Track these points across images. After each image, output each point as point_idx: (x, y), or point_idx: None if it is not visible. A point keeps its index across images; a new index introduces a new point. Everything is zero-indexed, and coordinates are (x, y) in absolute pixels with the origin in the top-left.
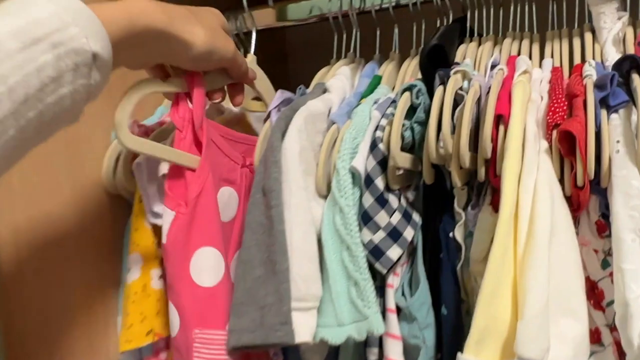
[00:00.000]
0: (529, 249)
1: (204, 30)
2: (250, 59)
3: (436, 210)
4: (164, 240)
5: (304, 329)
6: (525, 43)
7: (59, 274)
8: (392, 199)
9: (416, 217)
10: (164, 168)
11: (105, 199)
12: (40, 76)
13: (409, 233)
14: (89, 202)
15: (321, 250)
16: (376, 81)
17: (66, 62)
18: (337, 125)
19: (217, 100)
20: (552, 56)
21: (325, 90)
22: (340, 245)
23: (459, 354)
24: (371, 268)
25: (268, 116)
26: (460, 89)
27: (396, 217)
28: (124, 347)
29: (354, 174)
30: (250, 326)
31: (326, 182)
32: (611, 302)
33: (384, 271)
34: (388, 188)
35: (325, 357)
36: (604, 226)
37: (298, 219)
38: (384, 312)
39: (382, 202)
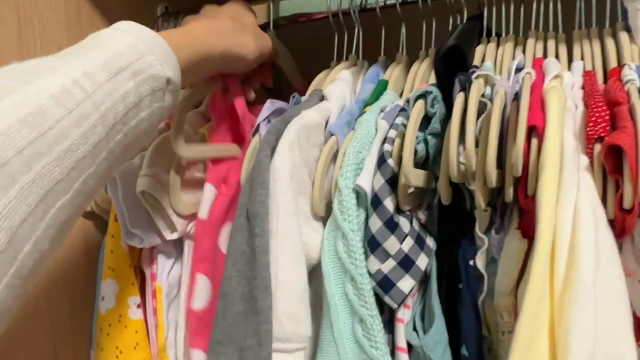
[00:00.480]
0: (570, 284)
1: (250, 37)
2: (272, 35)
3: (453, 234)
4: (203, 215)
5: None
6: (551, 43)
7: (23, 304)
8: (403, 222)
9: (430, 242)
10: (141, 184)
11: (78, 220)
12: (125, 102)
13: (422, 261)
14: None
15: (321, 281)
16: (382, 87)
17: (145, 88)
18: (337, 137)
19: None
20: (582, 58)
21: (322, 98)
22: (343, 276)
23: None
24: (378, 301)
25: (257, 129)
26: (482, 95)
27: (408, 243)
28: None
29: (359, 193)
30: None
31: (324, 203)
32: None
33: (395, 306)
34: (398, 209)
35: None
36: None
37: (285, 249)
38: (393, 350)
39: (392, 226)
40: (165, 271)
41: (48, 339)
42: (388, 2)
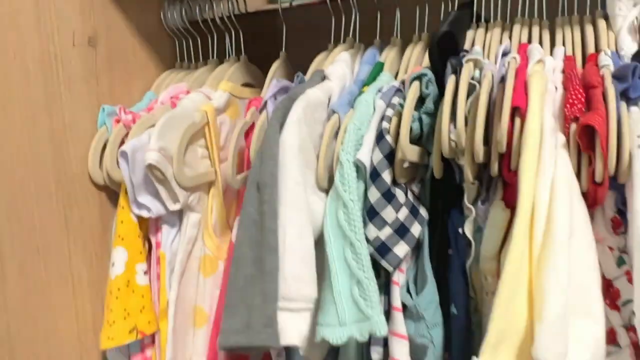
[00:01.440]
0: (547, 249)
1: None
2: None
3: (444, 205)
4: None
5: (291, 331)
6: (535, 30)
7: (44, 270)
8: (399, 194)
9: (423, 212)
10: (149, 157)
11: (93, 192)
12: None
13: (416, 229)
14: (75, 195)
15: (323, 246)
16: (378, 68)
17: None
18: (339, 115)
19: None
20: (563, 44)
21: (324, 78)
22: (343, 242)
23: (474, 359)
24: (374, 266)
25: (264, 106)
26: (472, 78)
27: (403, 213)
28: (105, 344)
29: (358, 166)
30: (238, 327)
31: (327, 176)
32: (627, 302)
33: (391, 269)
34: (395, 182)
35: (326, 355)
36: (619, 223)
37: (293, 216)
38: (389, 310)
39: (389, 196)
40: (169, 240)
41: (69, 298)
42: None
